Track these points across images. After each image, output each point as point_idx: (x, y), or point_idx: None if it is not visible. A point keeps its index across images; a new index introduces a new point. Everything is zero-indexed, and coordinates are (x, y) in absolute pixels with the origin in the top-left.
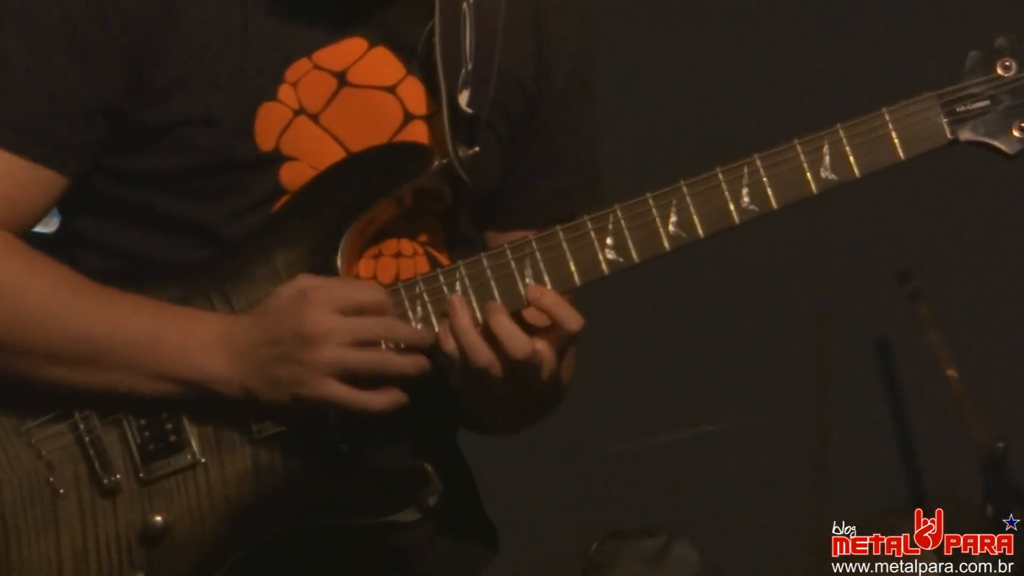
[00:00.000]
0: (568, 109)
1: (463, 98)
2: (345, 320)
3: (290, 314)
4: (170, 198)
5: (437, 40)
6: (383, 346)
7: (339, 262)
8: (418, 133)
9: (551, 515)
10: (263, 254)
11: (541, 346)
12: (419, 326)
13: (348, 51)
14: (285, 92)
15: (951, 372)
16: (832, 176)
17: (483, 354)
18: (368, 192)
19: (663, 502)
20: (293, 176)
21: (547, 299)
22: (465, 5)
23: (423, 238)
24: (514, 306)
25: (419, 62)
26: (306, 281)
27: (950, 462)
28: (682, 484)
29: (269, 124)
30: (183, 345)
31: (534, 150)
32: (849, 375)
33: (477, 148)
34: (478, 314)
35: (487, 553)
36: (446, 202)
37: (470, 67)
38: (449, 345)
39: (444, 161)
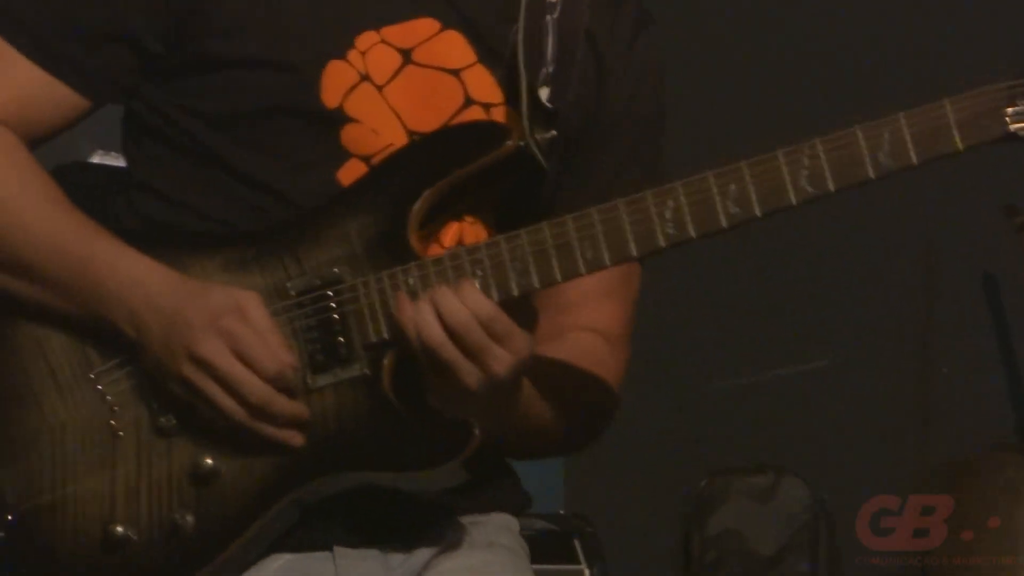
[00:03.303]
0: (620, 142)
1: (543, 93)
2: (233, 365)
3: (199, 326)
4: (233, 147)
5: (520, 38)
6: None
7: (409, 229)
8: (477, 117)
9: (659, 451)
10: (336, 219)
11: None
12: (477, 284)
13: (418, 30)
14: (354, 57)
15: None
16: (890, 161)
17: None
18: (442, 166)
19: (771, 438)
20: (355, 138)
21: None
22: (549, 18)
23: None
24: (571, 275)
25: (492, 53)
26: (247, 300)
27: None
28: (790, 420)
29: (336, 82)
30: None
31: (583, 174)
32: (956, 309)
33: (554, 132)
34: (536, 284)
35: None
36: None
37: (551, 69)
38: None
39: (521, 143)
